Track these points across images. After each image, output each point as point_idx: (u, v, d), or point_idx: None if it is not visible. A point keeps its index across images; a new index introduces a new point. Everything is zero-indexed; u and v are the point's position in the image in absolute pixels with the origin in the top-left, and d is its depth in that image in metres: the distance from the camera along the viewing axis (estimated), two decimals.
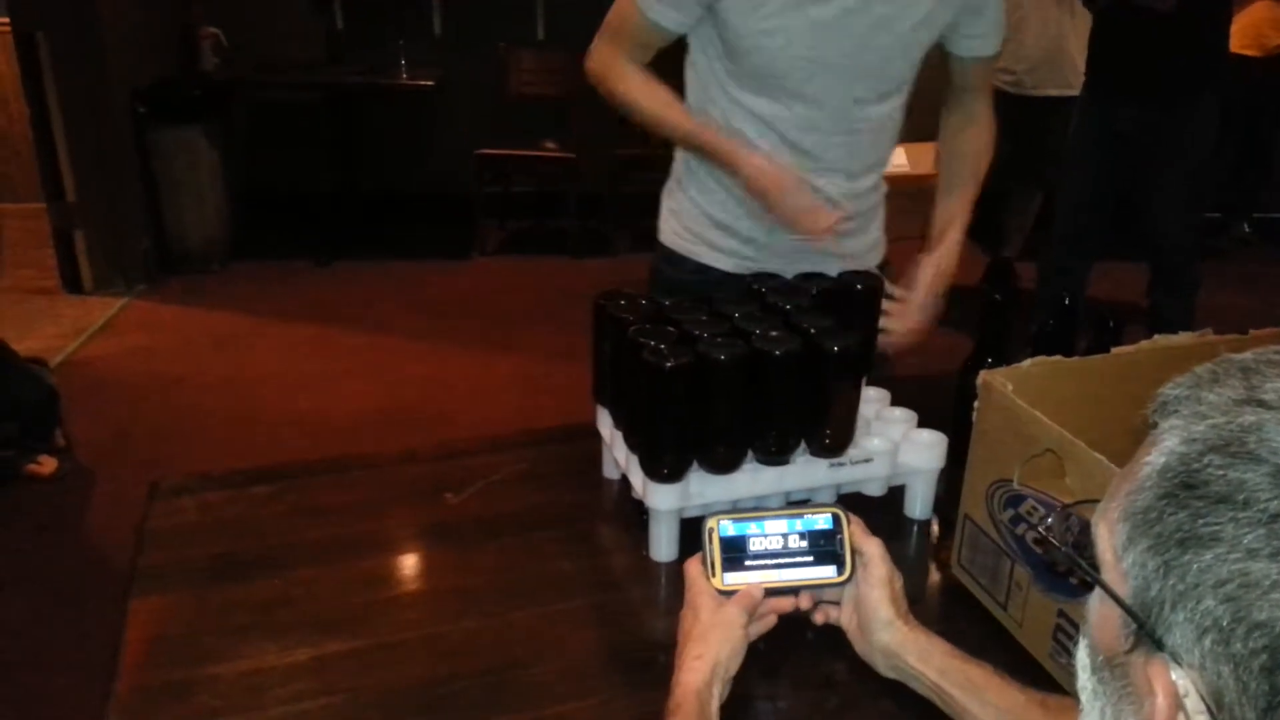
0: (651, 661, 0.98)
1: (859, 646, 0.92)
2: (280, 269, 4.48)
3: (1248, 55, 4.44)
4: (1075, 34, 3.54)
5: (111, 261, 4.14)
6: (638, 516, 1.18)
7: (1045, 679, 0.91)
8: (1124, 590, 0.52)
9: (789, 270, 1.33)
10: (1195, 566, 0.47)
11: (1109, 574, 0.53)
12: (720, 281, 1.48)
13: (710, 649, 0.84)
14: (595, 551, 1.21)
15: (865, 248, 1.58)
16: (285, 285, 4.34)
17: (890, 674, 0.90)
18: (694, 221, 1.54)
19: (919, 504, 1.25)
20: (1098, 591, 0.55)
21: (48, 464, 2.78)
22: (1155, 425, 0.54)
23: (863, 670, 0.92)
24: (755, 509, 0.91)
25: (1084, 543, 0.57)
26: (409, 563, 1.20)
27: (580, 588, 1.13)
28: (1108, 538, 0.54)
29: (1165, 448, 0.51)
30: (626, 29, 1.42)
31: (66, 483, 2.78)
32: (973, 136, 1.61)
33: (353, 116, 4.79)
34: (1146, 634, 0.50)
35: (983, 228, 4.41)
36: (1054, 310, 1.35)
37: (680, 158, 1.56)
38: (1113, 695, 0.54)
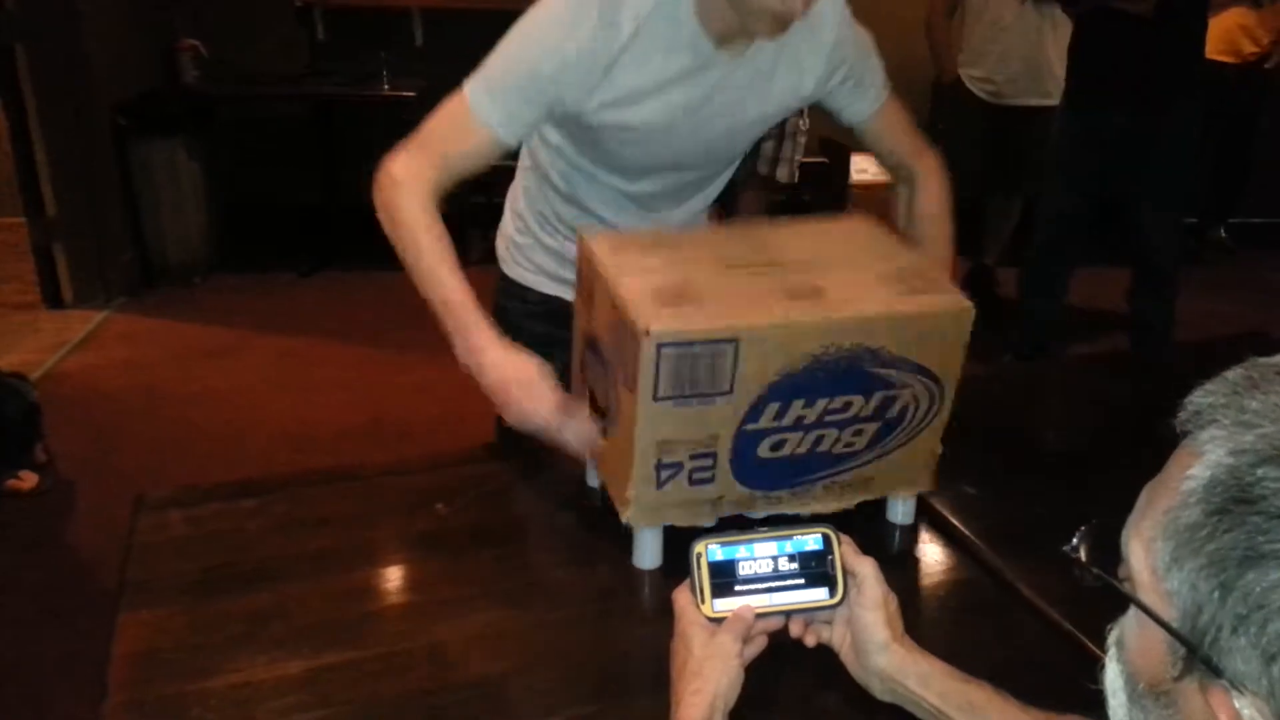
0: (645, 669, 0.98)
1: (853, 669, 0.89)
2: (263, 281, 4.46)
3: (1223, 61, 4.49)
4: (1055, 44, 3.58)
5: (92, 275, 4.11)
6: (622, 525, 1.18)
7: (1072, 704, 0.86)
8: (1169, 613, 0.48)
9: None
10: (1259, 587, 0.44)
11: (1148, 596, 0.50)
12: (567, 312, 1.32)
13: (708, 683, 0.81)
14: (586, 560, 1.21)
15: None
16: (268, 297, 4.32)
17: (887, 698, 0.87)
18: (536, 255, 1.53)
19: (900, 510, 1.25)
20: (1135, 614, 0.51)
21: (29, 479, 2.76)
22: (1187, 434, 0.51)
23: (857, 700, 0.91)
24: (743, 532, 0.90)
25: (1111, 561, 0.54)
26: (400, 574, 1.20)
27: (572, 597, 1.13)
28: (1143, 556, 0.50)
29: (1210, 460, 0.48)
30: (446, 130, 1.26)
31: (49, 498, 2.76)
32: (926, 204, 1.50)
33: (335, 128, 4.77)
34: (1200, 660, 0.46)
35: (963, 234, 4.48)
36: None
37: (520, 190, 1.52)
38: None
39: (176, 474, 2.84)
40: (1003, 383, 2.11)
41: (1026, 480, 1.41)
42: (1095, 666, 0.98)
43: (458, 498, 1.27)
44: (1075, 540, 0.60)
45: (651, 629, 1.06)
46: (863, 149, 1.56)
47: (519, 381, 1.18)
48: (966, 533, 1.22)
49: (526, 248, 1.54)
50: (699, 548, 0.88)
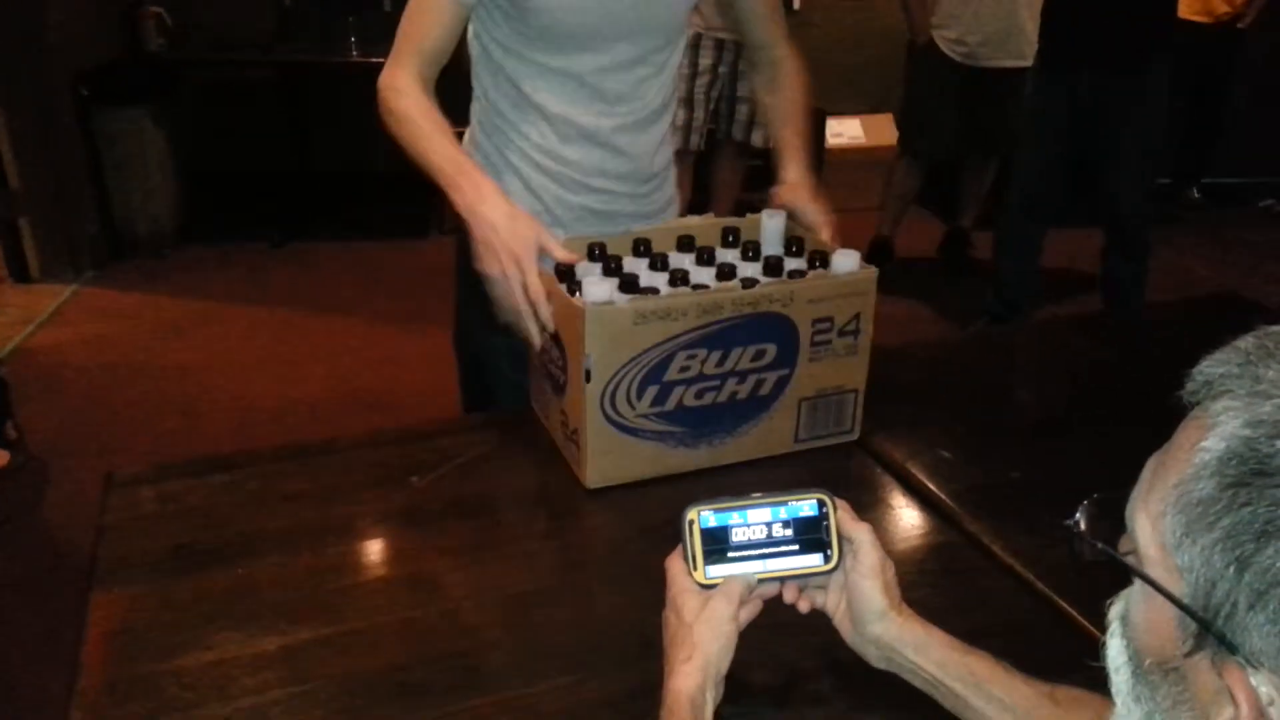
0: (623, 640, 0.99)
1: (849, 637, 0.88)
2: (234, 251, 4.41)
3: (1197, 22, 4.49)
4: (1028, 5, 3.57)
5: (59, 248, 4.04)
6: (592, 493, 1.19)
7: (1047, 665, 0.86)
8: (1179, 589, 0.47)
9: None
10: (1278, 563, 0.43)
11: (1156, 570, 0.49)
12: None
13: (699, 650, 0.80)
14: (562, 531, 1.21)
15: (661, 206, 1.59)
16: (239, 268, 4.26)
17: (883, 665, 0.87)
18: (503, 180, 1.49)
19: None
20: (1141, 589, 0.50)
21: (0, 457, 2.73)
22: (1196, 405, 0.50)
23: (848, 682, 0.91)
24: (736, 498, 0.88)
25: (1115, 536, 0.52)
26: (375, 548, 1.19)
27: (548, 568, 1.13)
28: (1151, 531, 0.49)
29: (1224, 432, 0.46)
30: (414, 26, 1.37)
31: (20, 476, 2.72)
32: (784, 97, 1.58)
33: (303, 95, 4.70)
34: (1214, 636, 0.46)
35: (939, 197, 4.48)
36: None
37: (475, 126, 1.53)
38: (1165, 700, 0.50)
39: (149, 449, 2.82)
40: (977, 346, 2.12)
41: (1001, 443, 1.41)
42: (1070, 629, 0.99)
43: (432, 470, 1.26)
44: (1076, 515, 0.59)
45: (628, 598, 1.06)
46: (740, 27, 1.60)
47: (509, 216, 1.24)
48: (942, 496, 1.23)
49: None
50: (691, 514, 0.86)
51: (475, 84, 1.50)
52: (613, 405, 1.17)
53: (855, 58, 5.08)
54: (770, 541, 0.87)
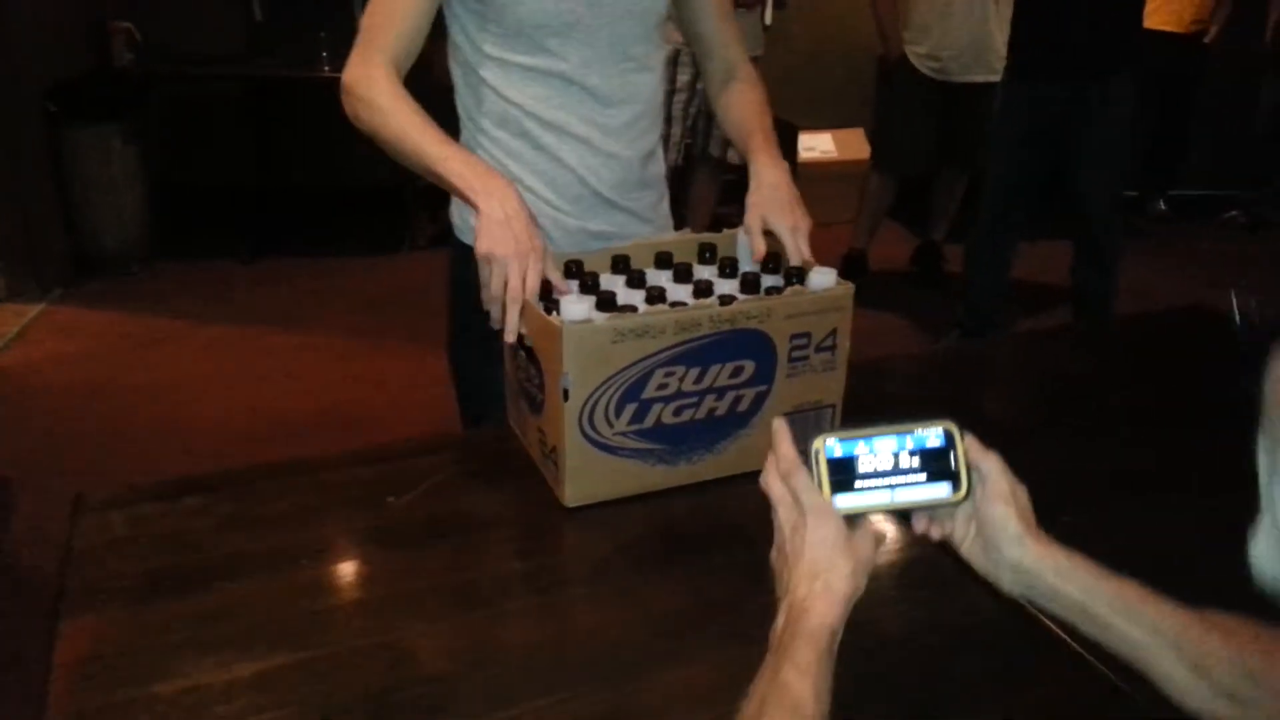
0: (603, 659, 0.98)
1: (980, 564, 0.85)
2: (204, 268, 4.37)
3: (1167, 31, 4.56)
4: (999, 21, 3.62)
5: (25, 267, 3.99)
6: (573, 514, 1.18)
7: (1000, 671, 0.88)
8: None
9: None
10: None
11: None
12: None
13: (843, 581, 0.76)
14: (542, 550, 1.20)
15: (660, 226, 1.58)
16: (210, 285, 4.23)
17: (1018, 590, 0.83)
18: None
19: None
20: None
21: None
22: None
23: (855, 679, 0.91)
24: (862, 427, 0.84)
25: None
26: (352, 569, 1.18)
27: (527, 587, 1.12)
28: None
29: None
30: (381, 19, 1.32)
31: None
32: (745, 99, 1.54)
33: (275, 110, 4.68)
34: None
35: (910, 211, 4.52)
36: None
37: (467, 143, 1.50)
38: None
39: (120, 470, 2.78)
40: (950, 359, 2.13)
41: None
42: (1048, 637, 0.99)
43: (408, 490, 1.25)
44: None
45: (608, 617, 1.06)
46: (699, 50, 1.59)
47: (524, 213, 1.22)
48: None
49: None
50: (817, 444, 0.82)
51: (461, 110, 1.46)
52: (591, 423, 1.16)
53: (827, 73, 5.12)
54: (898, 471, 0.83)
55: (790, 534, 0.81)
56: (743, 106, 1.53)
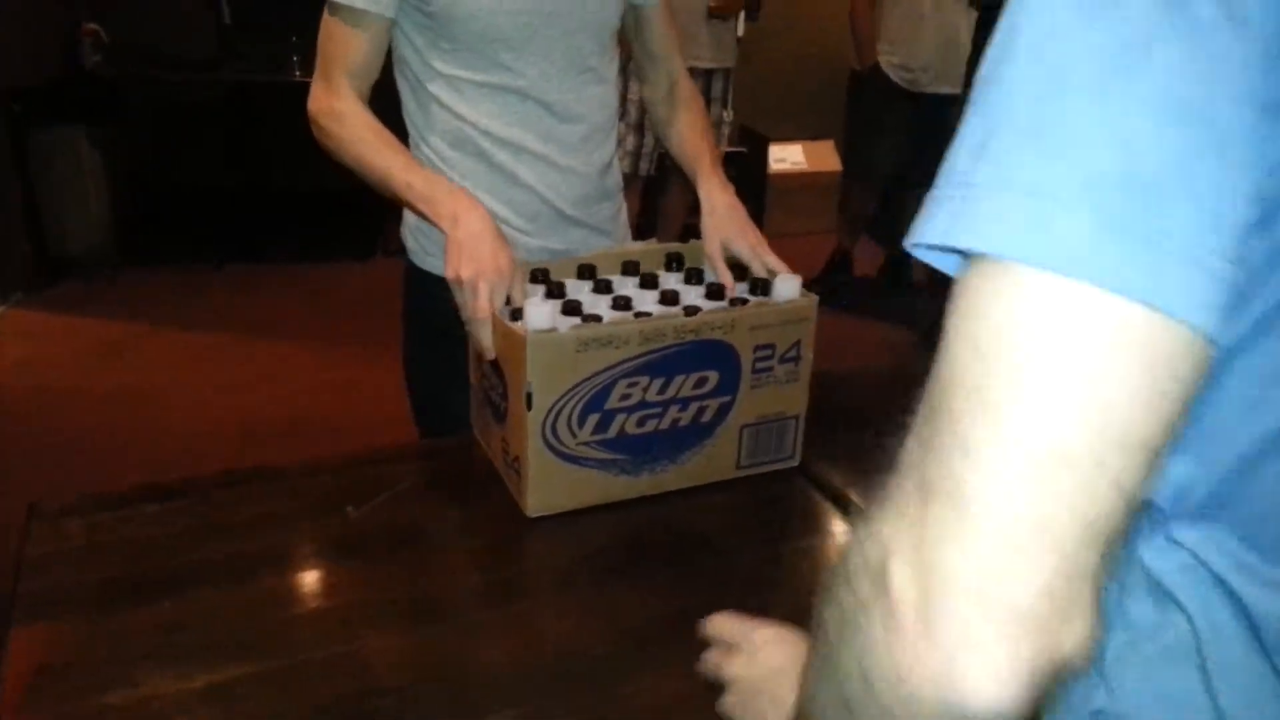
0: (568, 670, 0.98)
1: None
2: (172, 273, 4.33)
3: None
4: (970, 33, 3.66)
5: None
6: (535, 524, 1.17)
7: None
8: None
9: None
10: None
11: None
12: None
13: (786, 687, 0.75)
14: (505, 560, 1.20)
15: (619, 238, 1.59)
16: (178, 290, 4.19)
17: None
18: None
19: None
20: None
21: None
22: None
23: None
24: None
25: None
26: (310, 580, 1.17)
27: (489, 598, 1.11)
28: None
29: None
30: (337, 46, 1.33)
31: None
32: (689, 120, 1.57)
33: (244, 114, 4.64)
34: None
35: (880, 222, 4.56)
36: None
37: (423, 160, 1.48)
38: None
39: (81, 480, 2.74)
40: (917, 371, 2.15)
41: None
42: None
43: (369, 499, 1.24)
44: None
45: (571, 627, 1.05)
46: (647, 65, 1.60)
47: (495, 234, 1.24)
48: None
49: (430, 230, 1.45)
50: None
51: (410, 129, 1.45)
52: (554, 433, 1.16)
53: (798, 85, 5.15)
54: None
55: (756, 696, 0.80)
56: (688, 127, 1.55)
